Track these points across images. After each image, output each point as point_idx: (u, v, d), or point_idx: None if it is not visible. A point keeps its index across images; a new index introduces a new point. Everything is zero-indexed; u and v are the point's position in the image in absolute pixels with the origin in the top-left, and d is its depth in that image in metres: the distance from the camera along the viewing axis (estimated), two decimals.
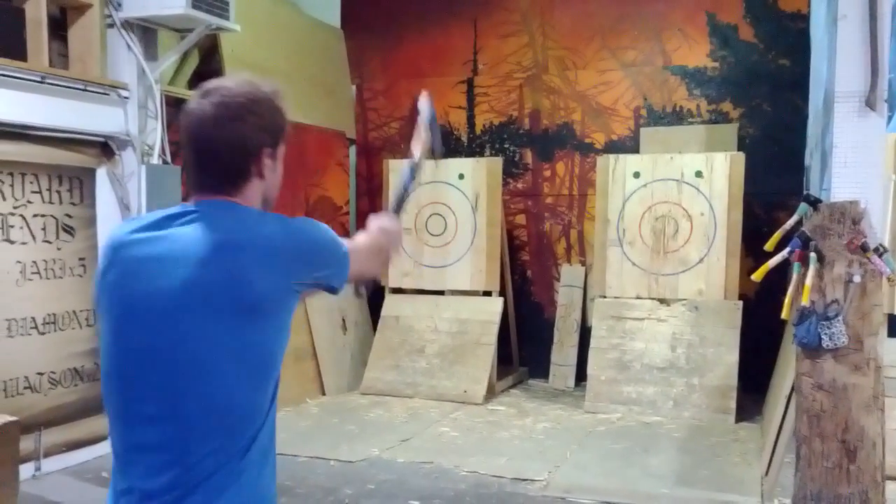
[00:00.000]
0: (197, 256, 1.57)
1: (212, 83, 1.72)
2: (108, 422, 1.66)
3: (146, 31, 5.16)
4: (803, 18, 6.53)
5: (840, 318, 3.69)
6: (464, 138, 7.77)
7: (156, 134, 5.22)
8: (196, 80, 6.54)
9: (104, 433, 5.07)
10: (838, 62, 4.07)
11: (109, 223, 5.10)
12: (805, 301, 3.74)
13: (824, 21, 4.73)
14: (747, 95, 6.95)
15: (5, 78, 4.32)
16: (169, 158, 5.33)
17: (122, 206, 5.12)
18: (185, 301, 1.56)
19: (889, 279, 3.98)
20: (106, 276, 1.66)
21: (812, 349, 3.74)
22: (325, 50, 7.74)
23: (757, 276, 3.98)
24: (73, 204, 4.93)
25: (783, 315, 3.93)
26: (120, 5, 4.99)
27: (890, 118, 4.85)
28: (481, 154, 7.61)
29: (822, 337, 3.70)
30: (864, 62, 4.02)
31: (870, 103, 3.97)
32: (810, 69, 5.91)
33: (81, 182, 4.98)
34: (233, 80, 1.77)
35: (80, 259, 4.97)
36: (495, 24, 7.66)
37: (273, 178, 1.80)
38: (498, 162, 7.17)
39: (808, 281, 3.73)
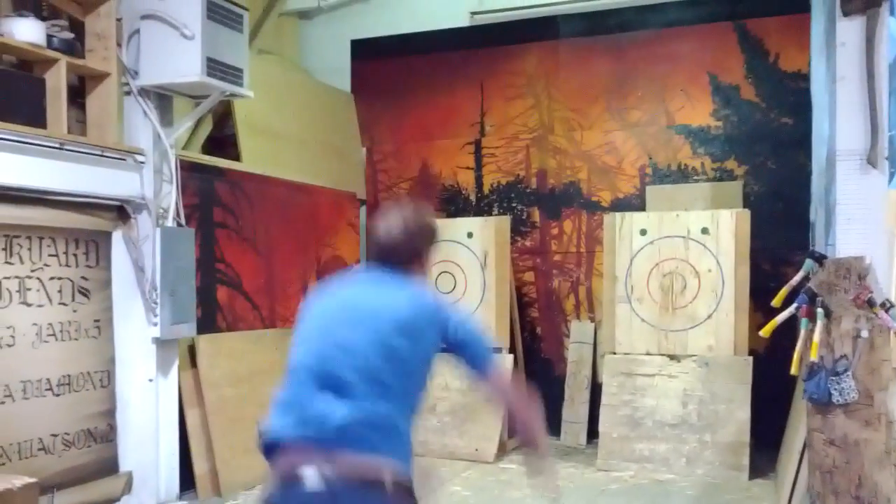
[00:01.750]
0: None
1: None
2: None
3: (162, 98, 5.29)
4: (804, 78, 6.66)
5: (849, 373, 3.71)
6: (472, 198, 7.88)
7: (170, 197, 5.32)
8: (210, 144, 6.71)
9: (117, 494, 5.08)
10: (839, 121, 4.17)
11: (124, 285, 5.18)
12: (814, 356, 3.77)
13: (824, 81, 4.84)
14: (751, 153, 7.04)
15: (26, 145, 4.43)
16: (183, 221, 5.42)
17: (136, 268, 5.20)
18: None
19: None
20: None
21: (822, 404, 3.76)
22: (336, 114, 7.91)
23: (765, 332, 4.02)
24: (89, 266, 5.02)
25: (792, 371, 3.95)
26: (137, 74, 5.13)
27: (892, 175, 4.93)
28: (489, 213, 7.71)
29: (833, 392, 3.72)
30: (864, 121, 4.12)
31: (871, 161, 4.05)
32: (812, 127, 6.01)
33: (97, 245, 5.07)
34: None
35: (96, 321, 5.03)
36: (501, 87, 7.82)
37: None
38: (506, 220, 7.26)
39: (817, 336, 3.77)
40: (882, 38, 4.11)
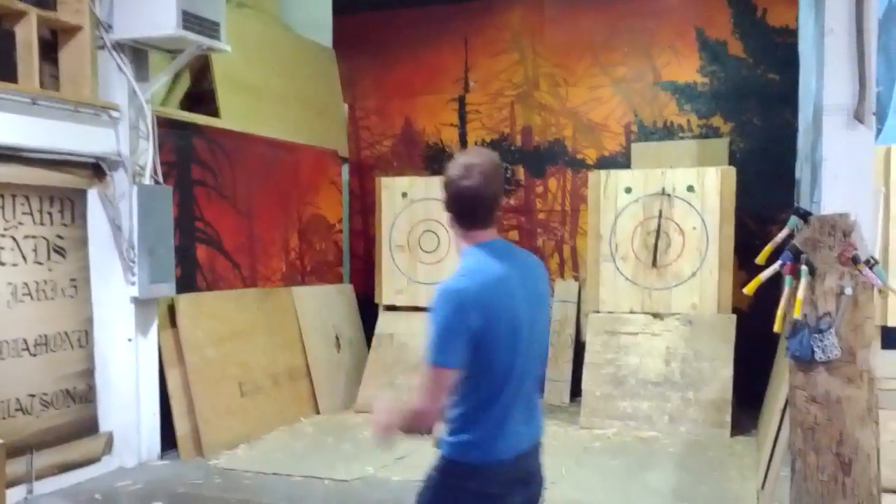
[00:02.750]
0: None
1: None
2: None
3: (137, 53, 5.17)
4: (792, 33, 6.58)
5: (832, 330, 3.69)
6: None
7: (147, 154, 5.22)
8: (188, 100, 6.57)
9: (97, 454, 5.05)
10: (826, 76, 4.11)
11: (101, 244, 5.09)
12: (797, 314, 3.74)
13: (812, 36, 4.77)
14: (737, 110, 6.99)
15: None
16: (161, 179, 5.32)
17: (113, 226, 5.11)
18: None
19: (880, 291, 3.98)
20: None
21: (805, 362, 3.74)
22: (318, 70, 7.77)
23: (749, 290, 3.99)
24: (65, 225, 4.93)
25: (776, 328, 3.93)
26: (111, 27, 5.00)
27: (879, 131, 4.88)
28: None
29: (815, 349, 3.70)
30: (852, 76, 4.05)
31: (858, 116, 4.00)
32: (799, 83, 5.95)
33: (73, 203, 4.97)
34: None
35: (72, 280, 4.95)
36: (486, 43, 7.70)
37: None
38: None
39: (800, 294, 3.74)
40: None
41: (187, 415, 5.57)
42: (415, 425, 2.32)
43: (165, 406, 5.48)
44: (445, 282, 2.28)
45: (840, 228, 3.77)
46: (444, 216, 2.45)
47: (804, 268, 3.78)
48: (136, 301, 5.17)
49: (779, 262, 3.89)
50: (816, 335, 3.69)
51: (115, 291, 5.15)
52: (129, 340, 5.19)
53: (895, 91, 5.38)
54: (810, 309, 3.73)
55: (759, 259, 4.05)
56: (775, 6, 6.81)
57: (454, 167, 2.34)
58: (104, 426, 5.16)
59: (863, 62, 4.02)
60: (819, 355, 3.70)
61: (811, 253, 3.78)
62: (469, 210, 2.38)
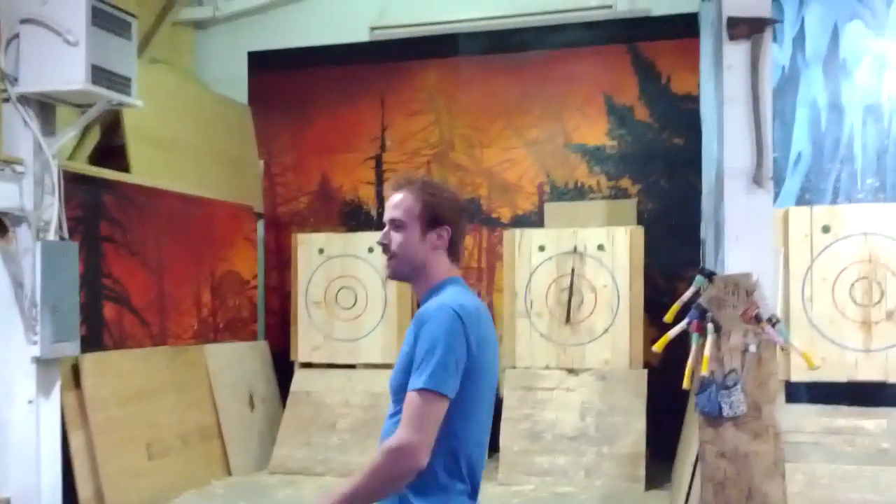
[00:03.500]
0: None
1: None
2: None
3: (44, 106, 5.02)
4: (694, 100, 6.89)
5: (738, 386, 3.81)
6: (373, 213, 7.81)
7: (52, 209, 5.05)
8: (97, 154, 6.42)
9: None
10: (726, 141, 4.31)
11: (1, 302, 4.87)
12: (704, 371, 3.86)
13: (713, 102, 5.01)
14: (645, 172, 7.23)
15: None
16: (66, 234, 5.15)
17: (15, 283, 4.90)
18: None
19: (783, 348, 4.15)
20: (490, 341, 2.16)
21: (713, 417, 3.85)
22: (232, 125, 7.72)
23: (658, 347, 4.10)
24: None
25: (684, 385, 4.04)
26: (16, 80, 4.85)
27: (777, 194, 5.13)
28: None
29: (723, 405, 3.81)
30: (751, 141, 4.26)
31: (757, 180, 4.19)
32: (702, 147, 6.22)
33: None
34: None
35: None
36: (402, 103, 7.80)
37: None
38: None
39: (707, 351, 3.86)
40: (766, 62, 4.27)
41: (91, 478, 5.33)
42: (388, 479, 1.99)
43: (68, 469, 5.22)
44: (441, 302, 2.08)
45: (743, 288, 3.93)
46: (417, 236, 2.21)
47: (710, 325, 3.92)
48: (38, 361, 4.94)
49: (686, 321, 4.01)
50: (724, 391, 3.81)
51: (15, 350, 4.91)
52: (30, 402, 4.94)
53: (790, 155, 5.68)
54: (717, 366, 3.86)
55: (667, 317, 4.17)
56: (678, 74, 7.13)
57: (446, 186, 2.27)
58: (2, 491, 4.87)
59: (760, 129, 4.24)
60: (727, 411, 3.81)
61: (716, 311, 3.92)
62: (460, 237, 2.24)
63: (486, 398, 2.17)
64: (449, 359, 1.98)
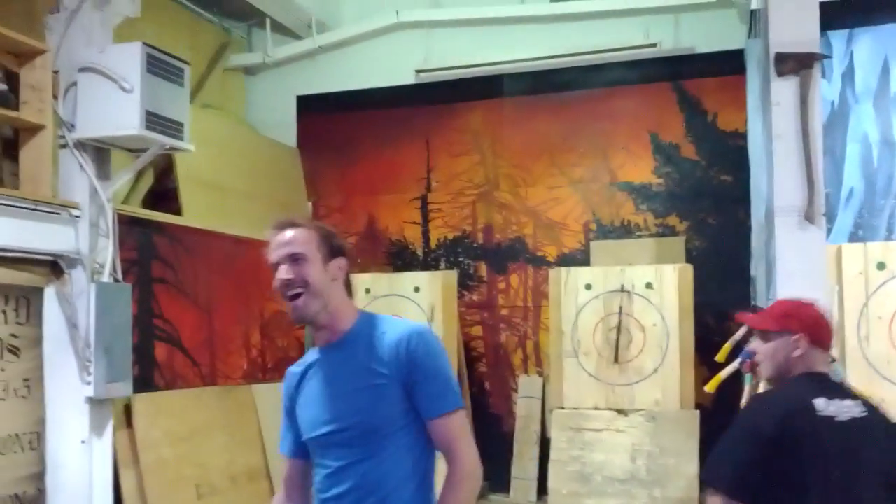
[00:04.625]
0: None
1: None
2: None
3: (99, 151, 5.17)
4: (742, 136, 6.83)
5: None
6: (419, 252, 7.85)
7: (107, 252, 5.17)
8: (151, 198, 6.58)
9: None
10: (776, 178, 4.25)
11: (56, 342, 4.98)
12: None
13: (761, 139, 4.96)
14: (692, 209, 7.16)
15: None
16: (120, 276, 5.26)
17: (69, 324, 5.01)
18: None
19: None
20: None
21: None
22: (281, 168, 7.85)
23: (710, 388, 4.02)
24: (19, 324, 4.82)
25: None
26: (73, 126, 5.01)
27: (829, 230, 5.04)
28: (436, 267, 7.67)
29: None
30: (801, 178, 4.20)
31: (808, 217, 4.13)
32: (751, 184, 6.15)
33: (28, 301, 4.88)
34: None
35: (25, 380, 4.81)
36: (447, 144, 7.87)
37: None
38: (453, 275, 7.23)
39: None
40: (815, 98, 4.23)
41: None
42: (473, 499, 2.05)
43: None
44: (415, 324, 2.20)
45: None
46: (321, 267, 2.23)
47: None
48: (91, 401, 5.02)
49: (738, 360, 3.94)
50: None
51: (69, 391, 5.00)
52: (83, 442, 5.02)
53: (842, 192, 5.59)
54: None
55: (719, 357, 4.10)
56: (725, 110, 7.08)
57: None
58: None
59: (810, 165, 4.18)
60: None
61: None
62: (351, 271, 2.31)
63: None
64: (451, 373, 2.11)
